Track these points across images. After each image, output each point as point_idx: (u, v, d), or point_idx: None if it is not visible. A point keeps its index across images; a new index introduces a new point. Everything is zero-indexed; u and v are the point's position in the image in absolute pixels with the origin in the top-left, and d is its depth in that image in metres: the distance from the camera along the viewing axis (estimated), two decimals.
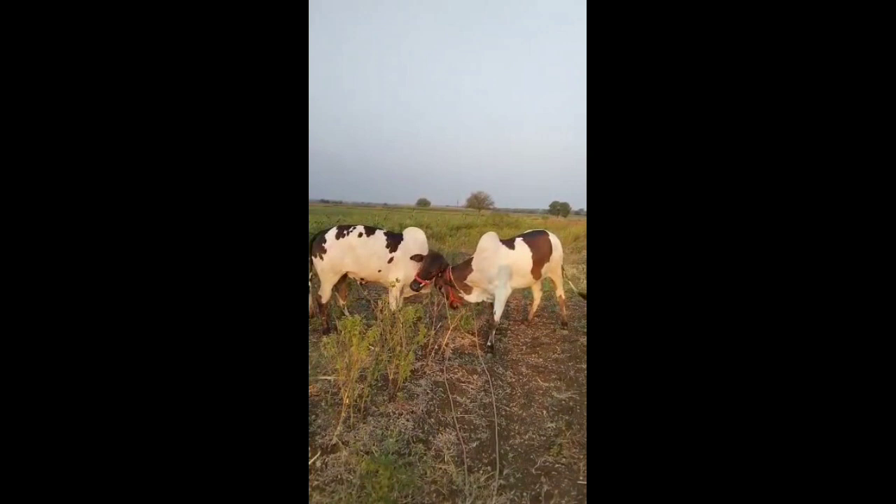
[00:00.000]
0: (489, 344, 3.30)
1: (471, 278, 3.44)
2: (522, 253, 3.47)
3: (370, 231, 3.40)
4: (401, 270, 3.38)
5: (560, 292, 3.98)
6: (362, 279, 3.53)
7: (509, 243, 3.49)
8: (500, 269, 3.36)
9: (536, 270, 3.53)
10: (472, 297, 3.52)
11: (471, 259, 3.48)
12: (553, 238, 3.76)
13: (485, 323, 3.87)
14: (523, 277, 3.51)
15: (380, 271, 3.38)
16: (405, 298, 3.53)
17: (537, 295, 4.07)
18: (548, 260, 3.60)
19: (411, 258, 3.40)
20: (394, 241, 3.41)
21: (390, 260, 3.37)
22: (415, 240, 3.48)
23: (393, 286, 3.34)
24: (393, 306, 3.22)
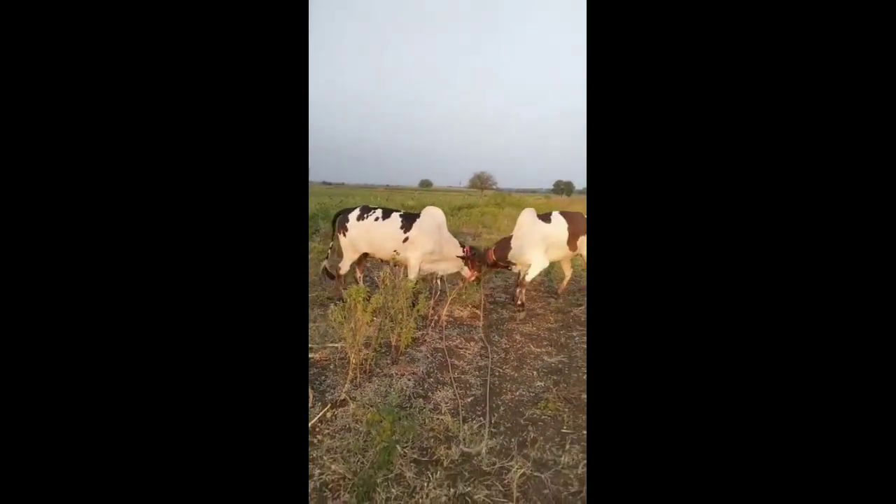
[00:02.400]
0: (520, 303, 3.72)
1: (511, 255, 3.69)
2: (559, 226, 3.73)
3: (387, 214, 3.59)
4: (417, 249, 3.53)
5: None
6: (381, 259, 3.73)
7: (545, 217, 3.77)
8: (537, 242, 3.64)
9: (573, 242, 3.77)
10: (516, 269, 3.86)
11: (510, 237, 3.74)
12: None
13: (485, 297, 4.06)
14: (560, 249, 3.77)
15: (396, 252, 3.57)
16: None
17: (568, 272, 4.26)
18: (584, 235, 3.78)
19: (459, 257, 3.65)
20: (408, 221, 3.56)
21: (405, 240, 3.53)
22: (432, 218, 3.63)
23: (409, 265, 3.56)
24: (412, 276, 3.50)
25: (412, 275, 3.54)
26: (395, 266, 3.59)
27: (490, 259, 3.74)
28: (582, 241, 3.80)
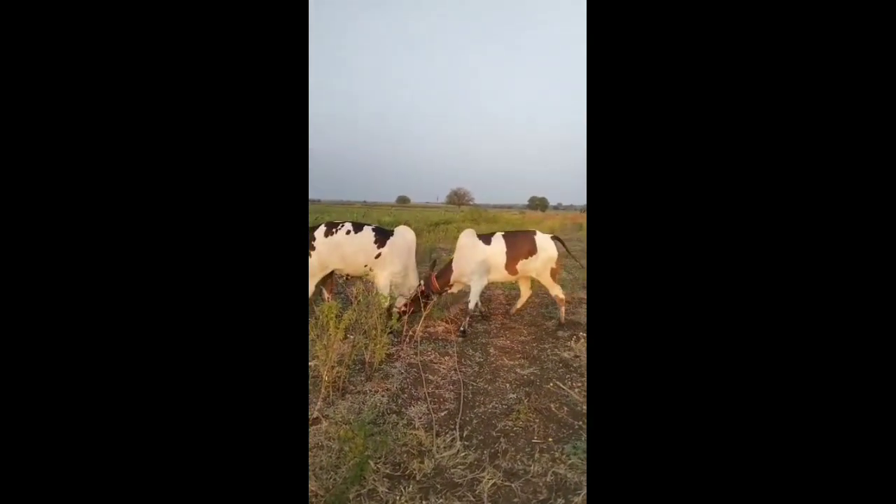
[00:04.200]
0: (462, 329, 3.56)
1: (453, 279, 3.66)
2: (497, 248, 3.63)
3: (358, 227, 3.54)
4: (388, 266, 3.49)
5: (555, 292, 3.82)
6: (348, 275, 3.67)
7: (486, 239, 3.68)
8: (477, 264, 3.58)
9: (511, 266, 3.63)
10: (454, 290, 3.82)
11: (451, 262, 3.69)
12: (542, 239, 3.69)
13: (459, 311, 4.11)
14: (498, 272, 3.65)
15: (366, 266, 3.50)
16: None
17: (525, 292, 4.09)
18: (525, 258, 3.63)
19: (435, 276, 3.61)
20: (382, 237, 3.52)
21: (377, 255, 3.49)
22: (404, 238, 3.60)
23: (373, 278, 3.52)
24: (385, 292, 3.39)
25: (385, 290, 3.48)
26: (367, 282, 3.59)
27: (434, 287, 3.64)
28: (524, 265, 3.64)
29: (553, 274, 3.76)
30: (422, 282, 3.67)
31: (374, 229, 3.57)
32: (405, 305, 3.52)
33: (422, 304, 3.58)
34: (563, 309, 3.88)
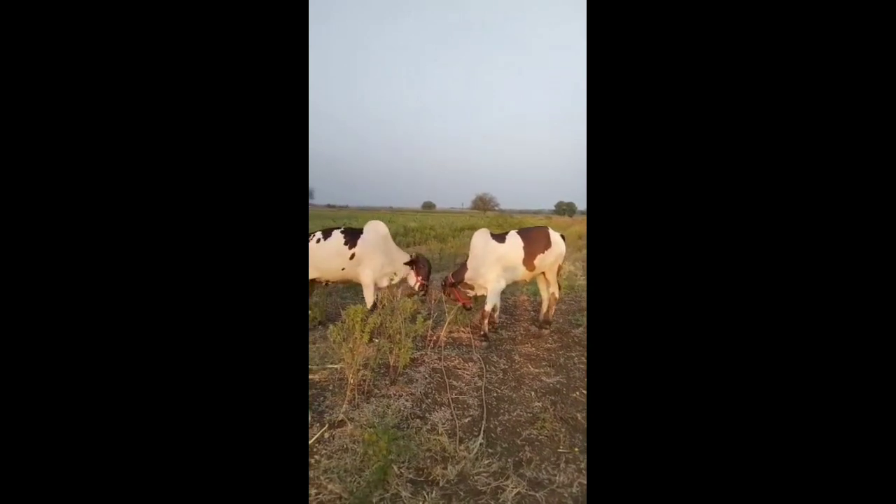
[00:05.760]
0: (483, 333, 3.53)
1: (468, 277, 3.59)
2: (513, 245, 3.55)
3: (327, 234, 3.48)
4: (367, 266, 3.40)
5: (553, 290, 3.87)
6: (327, 282, 3.61)
7: (500, 237, 3.60)
8: (491, 264, 3.50)
9: (529, 262, 3.56)
10: (472, 293, 3.72)
11: (466, 260, 3.64)
12: (553, 234, 3.73)
13: (482, 316, 4.09)
14: (516, 269, 3.56)
15: (343, 269, 3.42)
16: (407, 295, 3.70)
17: (545, 295, 3.97)
18: (542, 252, 3.60)
19: (405, 263, 3.58)
20: (352, 237, 3.44)
21: (352, 256, 3.40)
22: (376, 232, 3.50)
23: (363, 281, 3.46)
24: (369, 302, 3.37)
25: (368, 295, 3.40)
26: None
27: (448, 281, 3.62)
28: (541, 260, 3.59)
29: (559, 270, 3.85)
30: (441, 282, 3.64)
31: (342, 232, 3.48)
32: (418, 280, 3.59)
33: (424, 276, 3.61)
34: (552, 308, 3.93)
